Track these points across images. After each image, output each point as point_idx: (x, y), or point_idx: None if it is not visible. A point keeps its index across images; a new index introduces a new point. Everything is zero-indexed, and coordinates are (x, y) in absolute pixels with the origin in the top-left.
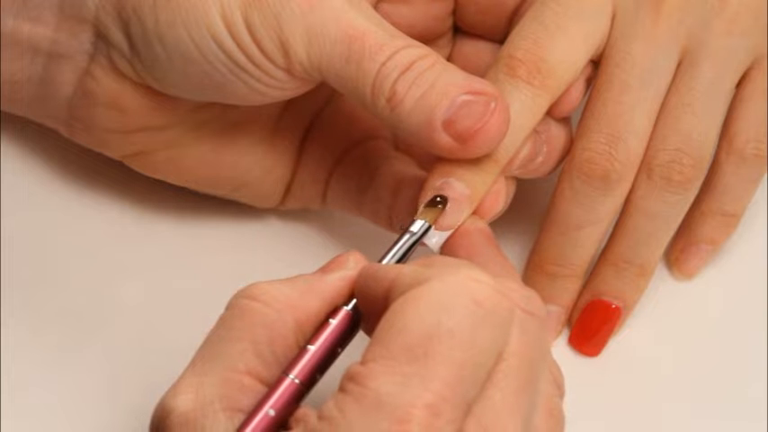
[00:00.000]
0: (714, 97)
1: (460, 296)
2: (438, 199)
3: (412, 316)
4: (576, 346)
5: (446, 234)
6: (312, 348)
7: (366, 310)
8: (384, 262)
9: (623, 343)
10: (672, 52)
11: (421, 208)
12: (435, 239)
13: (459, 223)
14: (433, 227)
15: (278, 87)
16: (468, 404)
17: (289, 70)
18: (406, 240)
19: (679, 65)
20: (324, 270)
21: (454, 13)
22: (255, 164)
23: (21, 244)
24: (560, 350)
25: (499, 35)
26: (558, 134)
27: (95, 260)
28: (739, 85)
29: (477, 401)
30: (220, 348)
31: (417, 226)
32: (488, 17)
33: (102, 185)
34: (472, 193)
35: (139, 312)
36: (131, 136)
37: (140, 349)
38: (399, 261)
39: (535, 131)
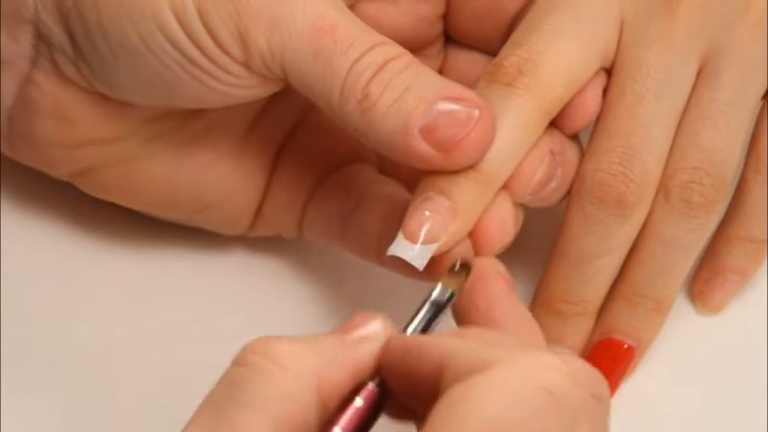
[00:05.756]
0: (738, 110)
1: (531, 386)
2: (461, 264)
3: (476, 407)
4: None
5: (430, 248)
6: None
7: (399, 387)
8: (409, 331)
9: (636, 387)
10: (690, 59)
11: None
12: (415, 253)
13: (442, 239)
14: (422, 245)
15: (237, 85)
16: None
17: (247, 64)
18: (427, 310)
19: (699, 73)
20: (347, 332)
21: (446, 19)
22: (220, 182)
23: None
24: None
25: (496, 45)
26: (573, 157)
27: (43, 294)
28: (765, 96)
29: None
30: (232, 415)
31: (437, 292)
32: (485, 24)
33: (50, 211)
34: (455, 205)
35: (94, 353)
36: (79, 150)
37: (96, 394)
38: (423, 331)
39: (550, 153)
